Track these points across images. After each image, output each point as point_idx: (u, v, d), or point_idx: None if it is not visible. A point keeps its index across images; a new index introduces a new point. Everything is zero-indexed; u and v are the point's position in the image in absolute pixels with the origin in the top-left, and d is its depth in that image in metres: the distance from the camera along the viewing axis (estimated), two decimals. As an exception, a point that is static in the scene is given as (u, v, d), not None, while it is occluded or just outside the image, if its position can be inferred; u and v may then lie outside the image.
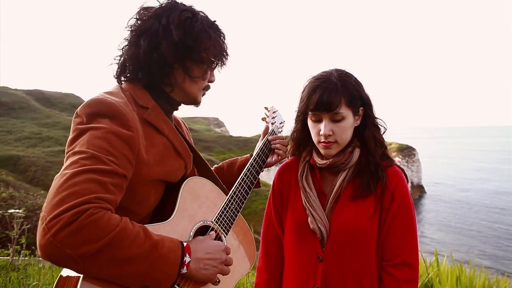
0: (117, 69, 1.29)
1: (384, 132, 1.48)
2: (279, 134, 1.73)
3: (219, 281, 1.24)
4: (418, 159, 49.71)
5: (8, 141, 28.84)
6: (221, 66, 1.35)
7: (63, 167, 1.01)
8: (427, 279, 2.96)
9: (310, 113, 1.39)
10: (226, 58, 1.34)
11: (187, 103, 1.36)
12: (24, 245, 4.51)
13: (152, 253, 1.01)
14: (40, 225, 0.92)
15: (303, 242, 1.42)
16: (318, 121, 1.38)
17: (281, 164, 1.61)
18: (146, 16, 1.24)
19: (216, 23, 1.31)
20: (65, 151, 1.07)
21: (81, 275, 0.98)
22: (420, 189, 49.63)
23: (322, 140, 1.37)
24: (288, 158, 1.61)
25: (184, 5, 1.27)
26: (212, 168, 1.60)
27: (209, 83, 1.36)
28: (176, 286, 1.13)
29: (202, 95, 1.37)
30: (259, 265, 1.59)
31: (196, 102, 1.37)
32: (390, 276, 1.36)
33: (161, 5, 1.26)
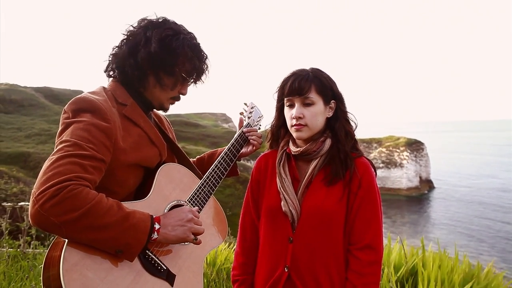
0: (107, 65, 1.49)
1: (355, 128, 1.62)
2: (255, 128, 1.89)
3: (196, 239, 1.39)
4: (427, 154, 49.38)
5: (18, 138, 29.30)
6: (195, 83, 1.53)
7: (51, 154, 1.21)
8: (412, 264, 3.10)
9: (285, 99, 1.56)
10: (200, 77, 1.52)
11: (155, 108, 1.55)
12: (34, 236, 4.73)
13: (123, 222, 1.20)
14: (31, 198, 1.13)
15: (276, 225, 1.56)
16: (291, 106, 1.55)
17: (260, 155, 1.75)
18: (139, 26, 1.44)
19: (199, 44, 1.49)
20: (55, 141, 1.27)
21: (66, 240, 1.17)
22: (429, 184, 49.29)
23: (294, 123, 1.53)
24: (267, 149, 1.76)
25: (174, 24, 1.46)
26: (194, 159, 1.80)
27: (180, 95, 1.53)
28: (149, 252, 1.32)
29: (171, 104, 1.54)
30: (236, 250, 1.73)
31: (163, 108, 1.54)
32: (355, 259, 1.49)
33: (154, 19, 1.45)
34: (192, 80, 1.51)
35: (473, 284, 2.75)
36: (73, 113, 1.29)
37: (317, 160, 1.55)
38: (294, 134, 1.56)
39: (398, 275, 2.92)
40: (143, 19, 1.46)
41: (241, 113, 1.93)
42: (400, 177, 47.59)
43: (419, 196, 46.05)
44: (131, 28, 1.45)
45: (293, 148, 1.59)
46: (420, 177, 48.72)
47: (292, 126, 1.55)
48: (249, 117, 1.91)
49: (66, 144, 1.21)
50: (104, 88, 1.45)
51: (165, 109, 1.55)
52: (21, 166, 22.18)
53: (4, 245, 4.33)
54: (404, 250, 3.14)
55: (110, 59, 1.47)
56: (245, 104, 1.96)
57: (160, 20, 1.45)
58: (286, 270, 1.51)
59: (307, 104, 1.52)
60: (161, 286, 1.33)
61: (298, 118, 1.52)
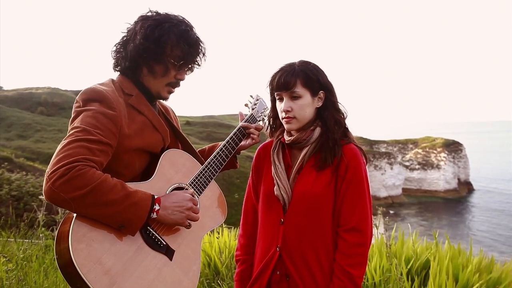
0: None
1: (346, 118, 1.70)
2: (259, 119, 1.98)
3: (190, 225, 1.55)
4: (466, 155, 47.66)
5: (59, 139, 30.53)
6: (189, 67, 1.61)
7: (64, 138, 1.37)
8: (425, 258, 3.12)
9: (275, 93, 1.66)
10: (193, 61, 1.60)
11: (154, 96, 1.64)
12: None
13: (126, 200, 1.34)
14: (45, 177, 1.29)
15: (270, 208, 1.68)
16: (281, 99, 1.65)
17: (261, 145, 1.86)
18: (134, 22, 1.57)
19: (189, 30, 1.55)
20: (68, 128, 1.43)
21: (75, 215, 1.32)
22: (468, 186, 47.52)
23: (284, 116, 1.63)
24: (268, 138, 1.85)
25: (165, 15, 1.56)
26: (198, 150, 1.92)
27: (178, 80, 1.61)
28: (150, 229, 1.46)
29: (169, 92, 1.63)
30: (239, 232, 1.85)
31: (160, 97, 1.64)
32: (342, 240, 1.57)
33: (146, 14, 1.57)
34: (183, 64, 1.57)
35: (485, 276, 2.74)
36: (83, 102, 1.45)
37: (307, 148, 1.64)
38: (285, 126, 1.66)
39: (408, 267, 2.95)
40: (139, 16, 1.57)
41: (246, 105, 2.01)
42: (437, 178, 46.27)
43: (458, 199, 44.52)
44: (129, 26, 1.58)
45: (286, 137, 1.70)
46: (459, 179, 47.14)
47: (282, 118, 1.65)
48: (253, 109, 1.98)
49: (76, 130, 1.36)
50: (112, 80, 1.60)
51: (163, 98, 1.64)
52: (61, 166, 23.14)
53: (41, 235, 4.63)
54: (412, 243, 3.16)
55: (112, 55, 1.61)
56: (251, 96, 2.05)
57: (149, 14, 1.56)
58: (277, 250, 1.62)
59: (294, 97, 1.61)
60: (160, 259, 1.46)
61: (286, 111, 1.61)
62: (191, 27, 1.59)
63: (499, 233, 30.70)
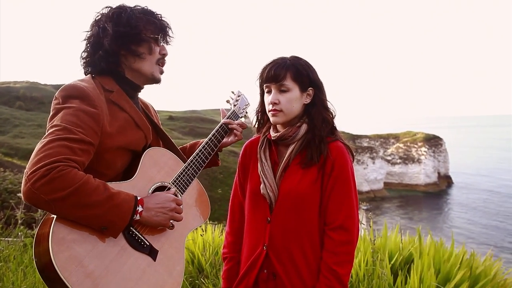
0: (84, 70, 1.59)
1: (334, 117, 1.68)
2: (241, 116, 1.96)
3: (173, 226, 1.53)
4: (445, 149, 48.56)
5: (38, 134, 30.03)
6: (164, 40, 1.60)
7: (43, 137, 1.32)
8: (408, 253, 3.15)
9: (264, 85, 1.64)
10: (166, 32, 1.60)
11: (148, 83, 1.62)
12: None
13: (108, 201, 1.30)
14: (24, 177, 1.24)
15: (257, 206, 1.66)
16: (269, 92, 1.63)
17: (247, 141, 1.84)
18: (91, 27, 1.54)
19: (148, 8, 1.56)
20: (47, 125, 1.38)
21: (55, 216, 1.28)
22: (447, 180, 48.47)
23: (270, 108, 1.61)
24: (255, 134, 1.83)
25: (117, 5, 1.54)
26: (179, 147, 1.89)
27: (163, 56, 1.61)
28: (133, 229, 1.42)
29: (160, 72, 1.62)
30: (226, 230, 1.83)
31: (154, 78, 1.61)
32: (329, 239, 1.56)
33: (98, 12, 1.54)
34: (161, 37, 1.58)
35: (467, 272, 2.79)
36: (63, 99, 1.39)
37: (294, 145, 1.63)
38: (271, 119, 1.64)
39: (392, 262, 2.98)
40: (96, 15, 1.54)
41: (227, 101, 1.98)
42: (418, 173, 47.04)
43: (438, 192, 45.36)
44: (88, 32, 1.54)
45: (272, 134, 1.68)
46: (439, 173, 47.99)
47: (269, 111, 1.63)
48: (235, 105, 1.96)
49: (56, 128, 1.31)
50: (92, 77, 1.55)
51: (157, 79, 1.61)
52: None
53: (20, 233, 4.52)
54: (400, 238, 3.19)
55: (83, 64, 1.56)
56: (232, 92, 2.02)
57: (103, 11, 1.53)
58: (264, 249, 1.61)
59: (282, 90, 1.59)
60: (144, 260, 1.43)
61: (273, 103, 1.59)
62: (146, 6, 1.58)
63: (472, 228, 31.42)
